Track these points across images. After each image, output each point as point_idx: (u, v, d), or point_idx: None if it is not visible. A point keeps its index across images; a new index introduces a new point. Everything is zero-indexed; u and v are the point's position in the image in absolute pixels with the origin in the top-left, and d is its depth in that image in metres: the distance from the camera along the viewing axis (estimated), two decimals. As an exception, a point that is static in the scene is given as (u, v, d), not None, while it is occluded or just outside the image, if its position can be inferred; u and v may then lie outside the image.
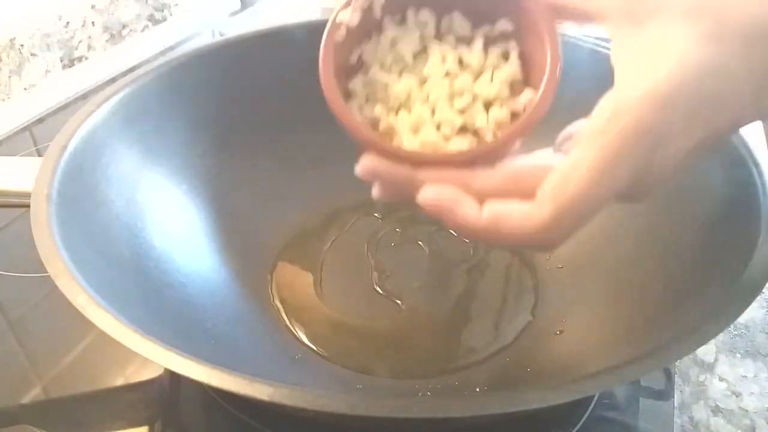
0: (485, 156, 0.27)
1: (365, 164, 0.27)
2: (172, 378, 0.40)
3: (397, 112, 0.29)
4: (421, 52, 0.30)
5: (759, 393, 0.39)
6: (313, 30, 0.52)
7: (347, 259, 0.49)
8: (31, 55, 0.69)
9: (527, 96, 0.28)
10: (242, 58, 0.51)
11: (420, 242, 0.50)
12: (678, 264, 0.37)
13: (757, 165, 0.36)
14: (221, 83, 0.50)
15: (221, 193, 0.48)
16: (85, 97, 0.72)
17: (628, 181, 0.23)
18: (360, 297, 0.46)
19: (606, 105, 0.24)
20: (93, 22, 0.76)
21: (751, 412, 0.38)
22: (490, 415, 0.25)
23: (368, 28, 0.29)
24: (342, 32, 0.28)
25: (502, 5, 0.29)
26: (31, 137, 0.66)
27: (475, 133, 0.28)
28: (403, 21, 0.30)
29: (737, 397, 0.39)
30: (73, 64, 0.75)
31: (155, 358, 0.26)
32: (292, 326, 0.43)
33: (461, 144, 0.28)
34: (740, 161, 0.36)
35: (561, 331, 0.41)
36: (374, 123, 0.29)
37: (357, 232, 0.51)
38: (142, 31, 0.84)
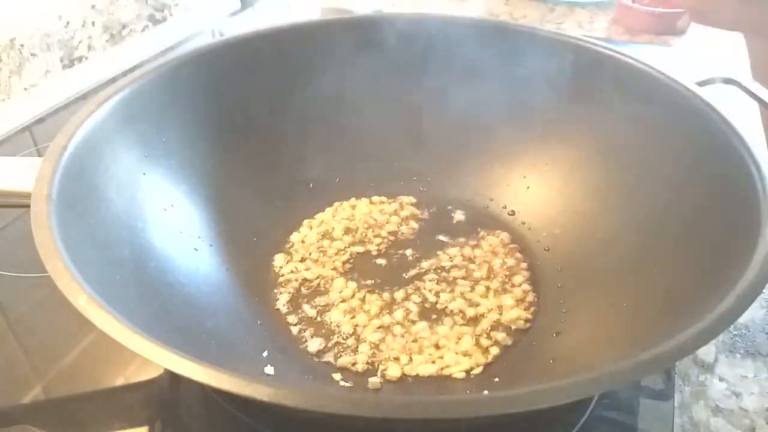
0: None
1: None
2: (172, 378, 0.40)
3: None
4: None
5: (759, 393, 0.39)
6: (313, 30, 0.52)
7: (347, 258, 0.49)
8: (31, 55, 0.69)
9: None
10: (242, 58, 0.51)
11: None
12: (678, 264, 0.37)
13: (757, 165, 0.36)
14: (221, 83, 0.50)
15: (221, 192, 0.48)
16: (85, 97, 0.72)
17: None
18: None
19: None
20: (93, 22, 0.76)
21: (751, 412, 0.38)
22: (490, 416, 0.25)
23: None
24: None
25: None
26: (31, 137, 0.66)
27: None
28: None
29: (737, 397, 0.39)
30: (73, 64, 0.75)
31: (155, 358, 0.26)
32: (292, 325, 0.43)
33: None
34: (740, 161, 0.36)
35: (558, 333, 0.41)
36: None
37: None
38: (142, 31, 0.84)
